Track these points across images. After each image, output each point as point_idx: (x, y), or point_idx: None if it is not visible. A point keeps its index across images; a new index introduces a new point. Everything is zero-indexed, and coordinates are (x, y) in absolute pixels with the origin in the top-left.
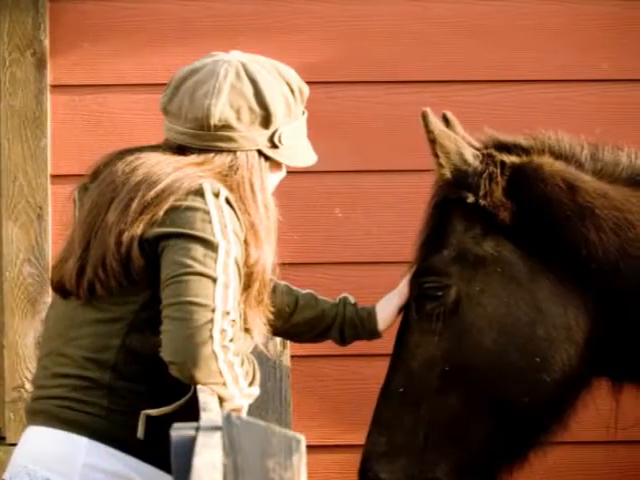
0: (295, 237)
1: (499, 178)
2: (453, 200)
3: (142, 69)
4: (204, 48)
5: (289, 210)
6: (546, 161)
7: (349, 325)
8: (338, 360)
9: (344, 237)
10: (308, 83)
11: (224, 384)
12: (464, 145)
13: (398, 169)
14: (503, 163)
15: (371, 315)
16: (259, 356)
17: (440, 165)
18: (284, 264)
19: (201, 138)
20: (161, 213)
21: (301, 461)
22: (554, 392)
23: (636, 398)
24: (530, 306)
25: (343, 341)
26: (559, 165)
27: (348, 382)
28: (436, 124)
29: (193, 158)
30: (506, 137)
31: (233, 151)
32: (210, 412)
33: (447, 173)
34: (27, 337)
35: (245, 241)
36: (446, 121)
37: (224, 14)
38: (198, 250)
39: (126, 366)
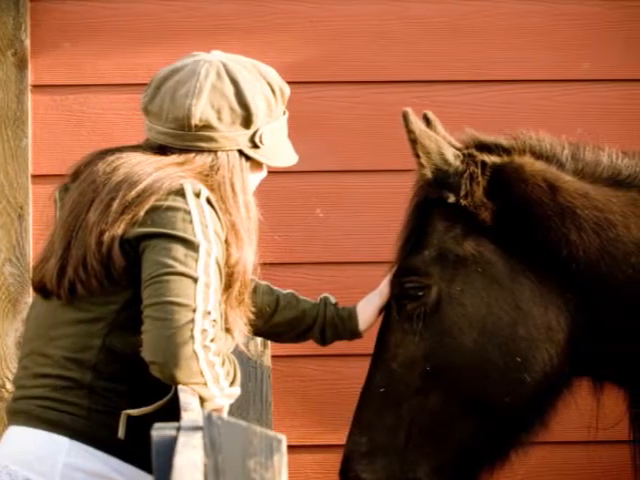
0: (276, 237)
1: (480, 178)
2: (434, 200)
3: (123, 69)
4: (185, 48)
5: (270, 210)
6: (527, 161)
7: (330, 325)
8: (319, 360)
9: (325, 237)
10: (289, 83)
11: (205, 384)
12: (445, 145)
13: (379, 169)
14: (484, 163)
15: (352, 315)
16: (240, 356)
17: (421, 165)
18: (265, 264)
19: (182, 138)
20: (142, 213)
21: (282, 461)
22: (535, 392)
23: (617, 398)
24: (511, 306)
25: (324, 341)
26: (540, 165)
27: (329, 382)
28: (417, 124)
29: (174, 158)
30: (487, 137)
31: (214, 151)
32: (191, 412)
33: (428, 173)
34: (8, 337)
35: (226, 241)
36: (427, 121)
37: (205, 14)
38: (179, 250)
39: (107, 366)
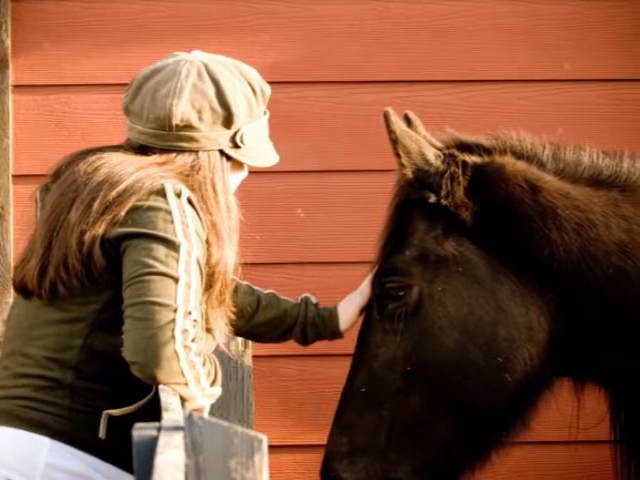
0: (257, 237)
1: (461, 178)
2: (415, 200)
3: (104, 69)
4: (166, 48)
5: (251, 210)
6: (508, 161)
7: (311, 325)
8: (300, 360)
9: (306, 237)
10: (270, 83)
11: (186, 384)
12: (426, 145)
13: (360, 169)
14: (465, 163)
15: (333, 315)
16: (221, 356)
17: (402, 165)
18: (246, 264)
19: (163, 138)
20: (123, 213)
21: (263, 461)
22: (516, 392)
23: (598, 398)
24: (492, 306)
25: (305, 341)
26: (521, 165)
27: (310, 382)
28: (398, 124)
29: (155, 158)
30: (468, 137)
31: (195, 151)
32: (172, 412)
33: (409, 173)
34: None
35: (207, 241)
36: (408, 121)
37: (186, 14)
38: (160, 250)
39: (88, 366)
